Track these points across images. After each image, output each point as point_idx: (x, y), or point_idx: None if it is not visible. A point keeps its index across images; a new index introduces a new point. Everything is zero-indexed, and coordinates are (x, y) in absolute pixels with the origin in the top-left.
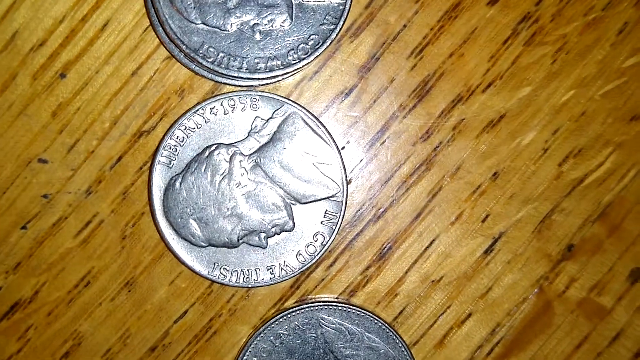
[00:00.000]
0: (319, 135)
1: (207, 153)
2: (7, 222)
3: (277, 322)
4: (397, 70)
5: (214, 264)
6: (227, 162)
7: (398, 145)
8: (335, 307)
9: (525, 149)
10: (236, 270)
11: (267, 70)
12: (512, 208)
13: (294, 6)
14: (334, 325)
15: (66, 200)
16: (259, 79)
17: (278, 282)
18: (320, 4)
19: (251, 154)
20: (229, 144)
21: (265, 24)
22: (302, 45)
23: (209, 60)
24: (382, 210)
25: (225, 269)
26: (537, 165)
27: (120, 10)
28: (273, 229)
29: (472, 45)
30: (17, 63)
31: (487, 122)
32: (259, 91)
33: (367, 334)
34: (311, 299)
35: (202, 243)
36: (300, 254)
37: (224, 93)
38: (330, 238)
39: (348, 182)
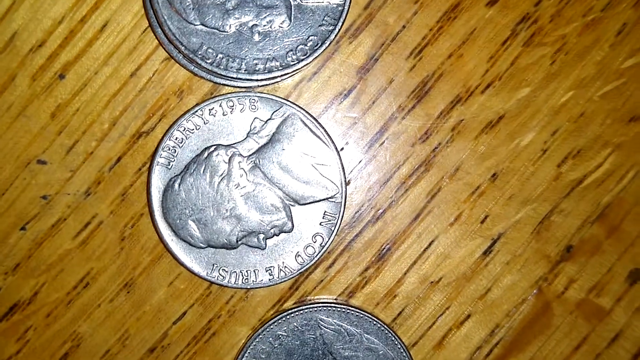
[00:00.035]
0: (318, 137)
1: (206, 154)
2: (6, 223)
3: (276, 323)
4: (396, 71)
5: (213, 265)
6: (226, 163)
7: (397, 146)
8: (334, 308)
9: (524, 150)
10: (235, 272)
11: (266, 72)
12: (511, 209)
13: (292, 7)
14: (333, 327)
15: (65, 202)
16: (257, 80)
17: (277, 283)
18: (319, 5)
19: (250, 155)
20: (227, 145)
21: (264, 25)
22: (301, 46)
23: (208, 61)
24: (381, 211)
25: (224, 270)
26: (536, 166)
27: (119, 11)
28: (272, 230)
29: (471, 46)
30: (16, 64)
31: (486, 123)
32: (258, 92)
33: (366, 335)
34: (310, 300)
35: (201, 244)
36: (299, 255)
37: (223, 94)
38: (329, 239)
39: (347, 183)
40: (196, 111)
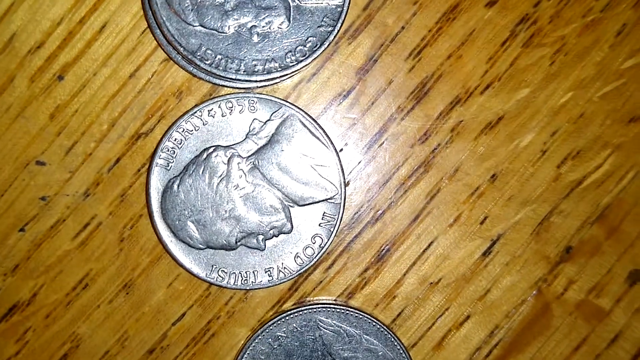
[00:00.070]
0: (317, 138)
1: (205, 155)
2: (5, 224)
3: (275, 325)
4: (395, 72)
5: (212, 266)
6: (225, 164)
7: (396, 147)
8: (333, 309)
9: (523, 151)
10: (234, 273)
11: (265, 73)
12: (510, 210)
13: (291, 8)
14: (332, 328)
15: (64, 203)
16: (256, 81)
17: (276, 285)
18: (318, 6)
19: (249, 156)
20: (226, 146)
21: (263, 26)
22: (300, 47)
23: (207, 62)
24: (380, 212)
25: (223, 271)
26: (536, 167)
27: (118, 12)
28: (271, 231)
29: (470, 46)
30: (14, 65)
31: (485, 123)
32: (257, 93)
33: (365, 336)
34: (309, 301)
35: (200, 245)
36: (298, 256)
37: (222, 95)
38: (328, 240)
39: (346, 184)
40: (195, 112)
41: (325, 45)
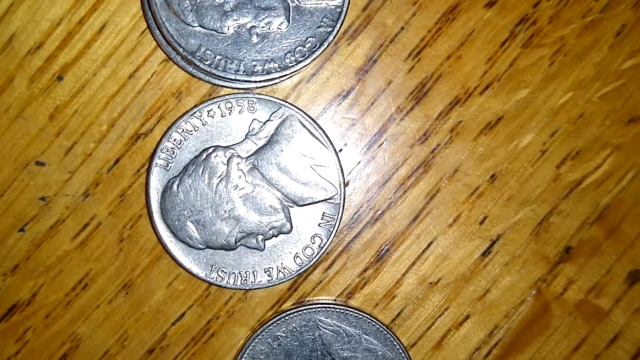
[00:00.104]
0: (317, 138)
1: (204, 155)
2: (4, 224)
3: (274, 324)
4: (394, 72)
5: (212, 266)
6: (224, 164)
7: (396, 147)
8: (332, 309)
9: (523, 151)
10: (234, 273)
11: (264, 73)
12: (509, 210)
13: (291, 9)
14: (332, 327)
15: (64, 203)
16: (256, 81)
17: (276, 285)
18: (318, 7)
19: (248, 157)
20: (226, 147)
21: (263, 27)
22: (299, 47)
23: (206, 62)
24: (379, 212)
25: (223, 271)
26: (535, 168)
27: (117, 13)
28: (270, 231)
29: (470, 47)
30: (14, 66)
31: (484, 124)
32: (256, 94)
33: (364, 336)
34: (309, 301)
35: (200, 245)
36: (297, 256)
37: (221, 95)
38: (327, 240)
39: (345, 185)
40: (194, 112)
41: (325, 46)
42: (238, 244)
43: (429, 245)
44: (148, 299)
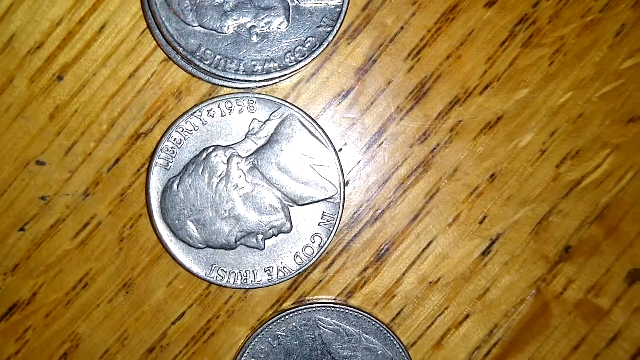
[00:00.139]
0: (316, 137)
1: (204, 155)
2: (4, 224)
3: (274, 324)
4: (394, 72)
5: (212, 265)
6: (224, 164)
7: (395, 147)
8: (332, 309)
9: (522, 151)
10: (234, 272)
11: (264, 73)
12: (509, 209)
13: (290, 8)
14: (332, 327)
15: (64, 202)
16: (256, 81)
17: (276, 284)
18: (317, 6)
19: (248, 156)
20: (226, 146)
21: (262, 27)
22: (299, 47)
23: (206, 62)
24: (379, 211)
25: (223, 270)
26: (535, 167)
27: (117, 12)
28: (270, 231)
29: (469, 47)
30: (14, 66)
31: (484, 123)
32: (256, 93)
33: (364, 335)
34: (309, 300)
35: (200, 245)
36: (297, 256)
37: (221, 95)
38: (327, 239)
39: (345, 184)
40: (194, 112)
41: (324, 46)
42: (238, 243)
43: (428, 245)
44: (148, 298)
